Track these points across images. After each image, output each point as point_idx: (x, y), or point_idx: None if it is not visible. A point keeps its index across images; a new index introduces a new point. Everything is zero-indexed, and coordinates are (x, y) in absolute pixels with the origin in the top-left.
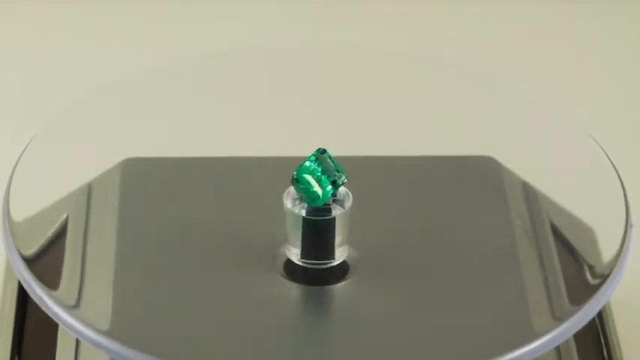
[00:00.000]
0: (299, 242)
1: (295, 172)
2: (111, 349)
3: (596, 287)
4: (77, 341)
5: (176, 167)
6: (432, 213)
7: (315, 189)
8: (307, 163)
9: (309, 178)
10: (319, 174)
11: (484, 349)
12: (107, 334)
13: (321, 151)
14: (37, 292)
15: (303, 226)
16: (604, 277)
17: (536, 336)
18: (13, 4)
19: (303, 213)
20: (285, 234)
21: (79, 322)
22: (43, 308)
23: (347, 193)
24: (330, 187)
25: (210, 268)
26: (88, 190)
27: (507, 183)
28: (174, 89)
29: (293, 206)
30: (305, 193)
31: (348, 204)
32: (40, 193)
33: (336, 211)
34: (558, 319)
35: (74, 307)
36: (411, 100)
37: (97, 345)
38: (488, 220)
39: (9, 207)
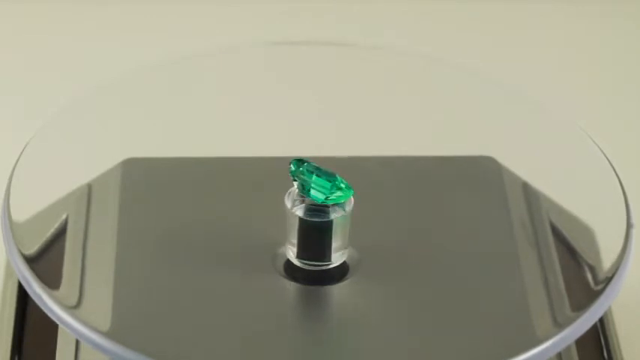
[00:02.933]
0: (299, 243)
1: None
2: (110, 350)
3: (599, 292)
4: (77, 341)
5: (176, 167)
6: (432, 213)
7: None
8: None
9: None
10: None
11: (485, 354)
12: (107, 334)
13: (299, 163)
14: (37, 291)
15: (303, 227)
16: (606, 282)
17: (538, 342)
18: (13, 4)
19: (304, 214)
20: (285, 234)
21: (78, 322)
22: (43, 308)
23: None
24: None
25: (210, 268)
26: (88, 190)
27: (507, 183)
28: (174, 89)
29: (294, 207)
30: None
31: (349, 206)
32: (40, 193)
33: (338, 213)
34: (560, 325)
35: (74, 308)
36: (411, 100)
37: (97, 346)
38: (488, 220)
39: (9, 206)
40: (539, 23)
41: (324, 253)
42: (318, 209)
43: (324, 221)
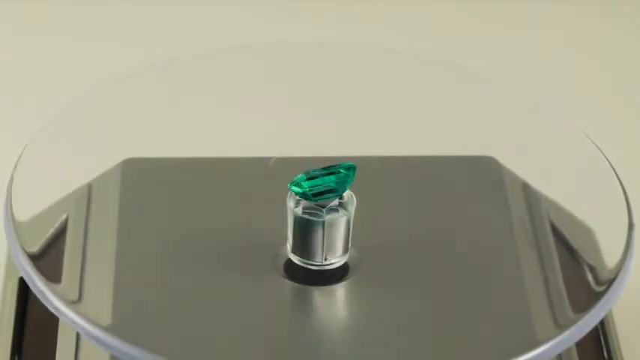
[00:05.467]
0: (300, 243)
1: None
2: (111, 344)
3: (600, 294)
4: (77, 340)
5: (176, 167)
6: (432, 213)
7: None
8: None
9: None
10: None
11: (485, 355)
12: (107, 329)
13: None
14: (40, 287)
15: (305, 227)
16: (608, 283)
17: (539, 343)
18: (13, 4)
19: (306, 214)
20: (286, 234)
21: (80, 317)
22: (46, 304)
23: (351, 196)
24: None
25: (210, 267)
26: (88, 190)
27: (507, 183)
28: (174, 89)
29: (296, 207)
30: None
31: (351, 207)
32: (40, 193)
33: (340, 213)
34: (561, 326)
35: (75, 303)
36: (410, 100)
37: (98, 340)
38: (488, 220)
39: (12, 206)
40: (539, 23)
41: (325, 253)
42: (319, 210)
43: (324, 221)
